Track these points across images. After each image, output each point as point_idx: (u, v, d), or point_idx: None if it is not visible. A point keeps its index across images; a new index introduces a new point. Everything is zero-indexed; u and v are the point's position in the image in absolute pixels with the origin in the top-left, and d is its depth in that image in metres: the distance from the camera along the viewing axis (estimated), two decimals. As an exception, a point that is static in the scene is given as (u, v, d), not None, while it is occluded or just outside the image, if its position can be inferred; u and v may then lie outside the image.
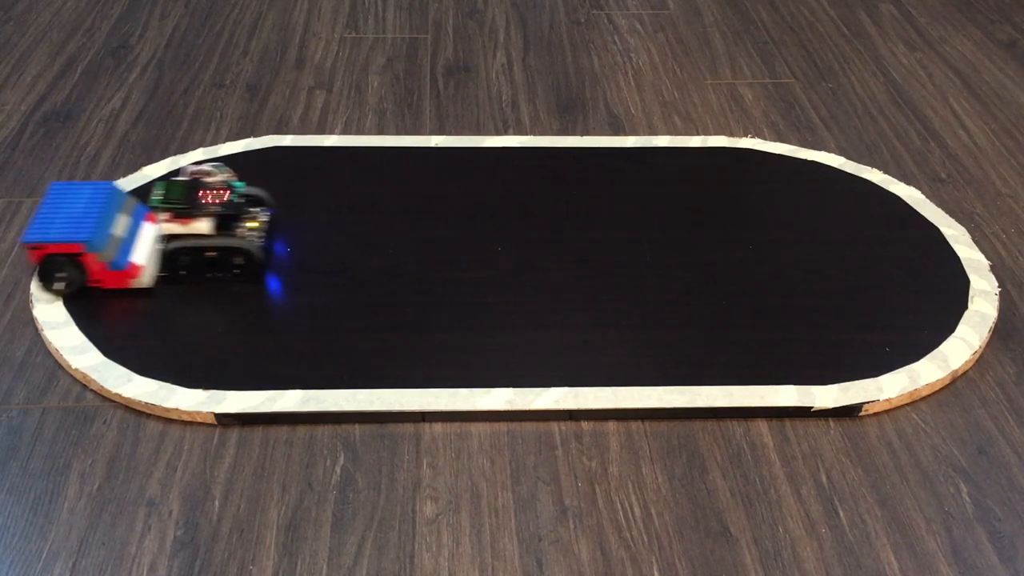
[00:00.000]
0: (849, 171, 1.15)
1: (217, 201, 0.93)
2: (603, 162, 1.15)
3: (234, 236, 0.94)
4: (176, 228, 0.93)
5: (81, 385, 0.86)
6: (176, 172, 1.04)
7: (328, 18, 1.48)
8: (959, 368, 0.88)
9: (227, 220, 0.95)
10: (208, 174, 0.96)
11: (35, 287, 0.94)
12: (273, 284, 0.94)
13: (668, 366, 0.88)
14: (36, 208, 0.93)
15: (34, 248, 0.88)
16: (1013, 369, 0.90)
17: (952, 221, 1.07)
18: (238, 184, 0.97)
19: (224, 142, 1.18)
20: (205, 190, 0.94)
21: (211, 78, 1.32)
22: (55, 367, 0.88)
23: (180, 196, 0.93)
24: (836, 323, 0.93)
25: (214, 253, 0.93)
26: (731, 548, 0.74)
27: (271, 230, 1.00)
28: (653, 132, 1.23)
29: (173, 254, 0.93)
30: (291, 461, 0.80)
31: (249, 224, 0.96)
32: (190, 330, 0.90)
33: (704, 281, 0.97)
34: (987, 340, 0.92)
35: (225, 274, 0.94)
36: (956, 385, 0.89)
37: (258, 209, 0.99)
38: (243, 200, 0.96)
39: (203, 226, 0.93)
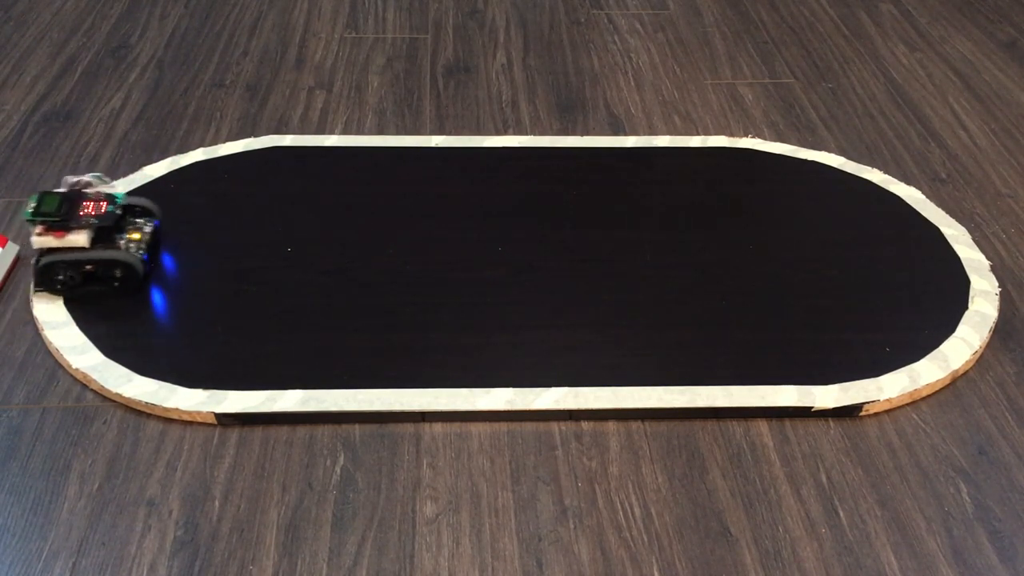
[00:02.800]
0: (849, 171, 1.15)
1: (95, 213, 0.90)
2: (603, 162, 1.15)
3: (113, 248, 0.91)
4: (51, 241, 0.89)
5: (81, 385, 0.86)
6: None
7: (328, 18, 1.48)
8: (959, 368, 0.88)
9: (106, 232, 0.92)
10: (88, 185, 0.93)
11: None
12: (157, 297, 0.92)
13: (668, 366, 0.87)
14: None
15: None
16: (1013, 369, 0.90)
17: (952, 221, 1.07)
18: (118, 195, 0.93)
19: (224, 142, 1.18)
20: (85, 201, 0.90)
21: (211, 78, 1.32)
22: (55, 367, 0.88)
23: (54, 208, 0.89)
24: (836, 323, 0.93)
25: (91, 267, 0.90)
26: (731, 548, 0.74)
27: (156, 241, 0.96)
28: (653, 132, 1.23)
29: (47, 268, 0.89)
30: (291, 461, 0.80)
31: (131, 235, 0.93)
32: (190, 330, 0.90)
33: (704, 281, 0.97)
34: (987, 340, 0.92)
35: (105, 286, 0.91)
36: (956, 385, 0.89)
37: (142, 220, 0.96)
38: (121, 212, 0.93)
39: (80, 239, 0.89)
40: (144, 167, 1.12)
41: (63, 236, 0.89)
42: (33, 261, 0.91)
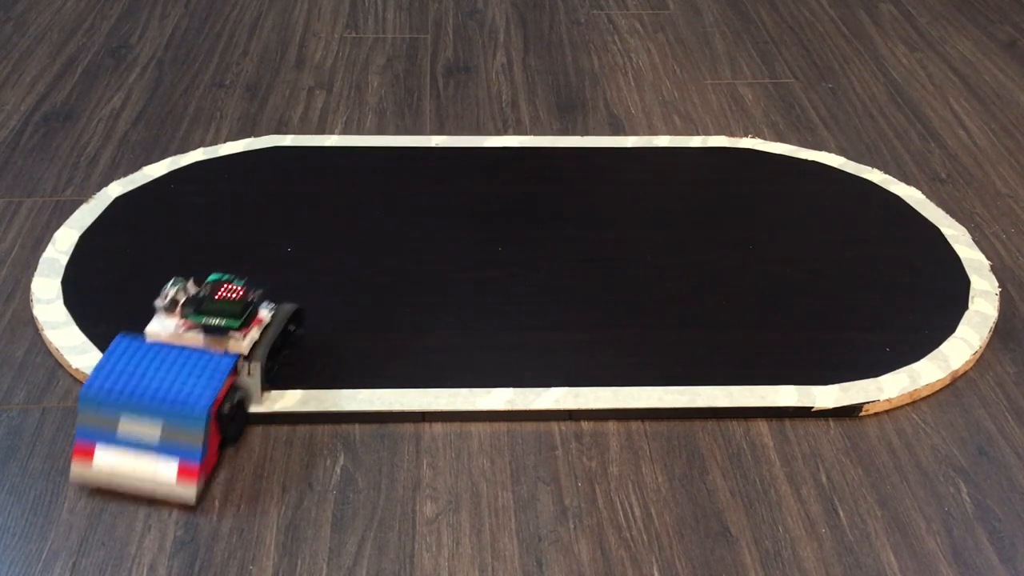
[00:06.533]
0: (849, 171, 1.15)
1: (241, 294, 0.81)
2: (603, 162, 1.15)
3: (273, 308, 0.85)
4: (255, 335, 0.82)
5: (81, 385, 0.86)
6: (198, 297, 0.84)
7: (328, 18, 1.48)
8: (959, 368, 0.88)
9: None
10: (184, 288, 0.83)
11: (35, 287, 0.94)
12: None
13: (668, 366, 0.87)
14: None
15: None
16: (1013, 369, 0.90)
17: (952, 221, 1.07)
18: (213, 276, 0.85)
19: (224, 142, 1.18)
20: (217, 294, 0.82)
21: (211, 78, 1.32)
22: (55, 367, 0.88)
23: (239, 308, 0.80)
24: (836, 323, 0.93)
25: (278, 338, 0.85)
26: (731, 548, 0.74)
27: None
28: (653, 132, 1.23)
29: (270, 360, 0.84)
30: (291, 461, 0.80)
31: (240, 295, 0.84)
32: (190, 330, 0.90)
33: (704, 281, 0.97)
34: (987, 340, 0.92)
35: (290, 346, 0.87)
36: (956, 385, 0.89)
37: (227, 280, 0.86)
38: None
39: (265, 316, 0.83)
40: (144, 167, 1.12)
41: (258, 324, 0.82)
42: (256, 366, 0.82)
